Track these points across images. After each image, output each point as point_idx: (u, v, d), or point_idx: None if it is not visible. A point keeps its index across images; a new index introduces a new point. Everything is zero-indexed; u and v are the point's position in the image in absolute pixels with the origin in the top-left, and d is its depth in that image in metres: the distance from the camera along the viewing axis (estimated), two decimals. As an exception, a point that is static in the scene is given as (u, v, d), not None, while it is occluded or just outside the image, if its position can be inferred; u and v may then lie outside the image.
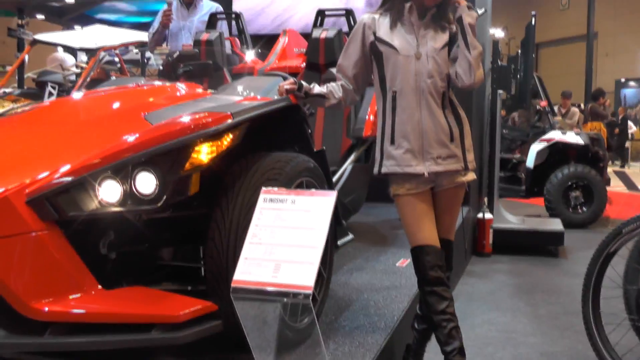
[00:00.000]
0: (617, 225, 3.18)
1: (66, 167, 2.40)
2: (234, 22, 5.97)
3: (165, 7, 5.49)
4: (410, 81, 2.74)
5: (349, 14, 5.45)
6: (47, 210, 2.32)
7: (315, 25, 5.40)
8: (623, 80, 25.38)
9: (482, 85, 6.98)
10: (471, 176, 2.85)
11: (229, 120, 2.68)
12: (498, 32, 24.60)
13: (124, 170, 2.43)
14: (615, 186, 10.48)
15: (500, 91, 6.75)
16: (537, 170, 8.48)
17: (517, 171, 8.97)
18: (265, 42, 6.32)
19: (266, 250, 2.25)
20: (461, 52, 2.73)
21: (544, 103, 9.22)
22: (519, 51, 7.43)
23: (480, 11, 2.84)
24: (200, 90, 3.49)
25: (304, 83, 2.98)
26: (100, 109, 3.07)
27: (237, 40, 5.82)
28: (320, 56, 4.71)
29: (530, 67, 7.26)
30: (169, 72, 4.13)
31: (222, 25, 5.77)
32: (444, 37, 2.77)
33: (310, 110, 3.39)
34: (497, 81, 6.84)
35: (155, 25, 5.64)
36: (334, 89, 2.96)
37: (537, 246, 6.80)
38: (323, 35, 4.73)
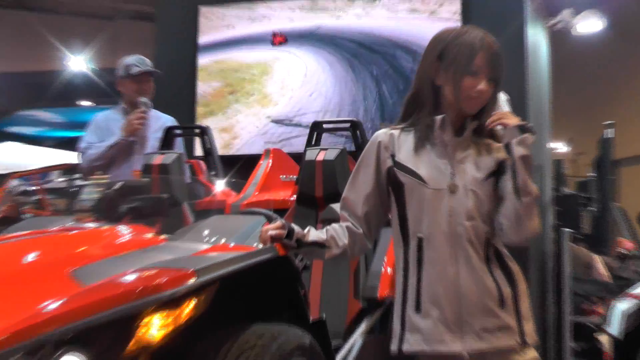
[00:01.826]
0: None
1: (-41, 349, 2.39)
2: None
3: (138, 110, 5.67)
4: (442, 224, 2.77)
5: (355, 127, 5.47)
6: None
7: (309, 143, 5.45)
8: None
9: (541, 223, 7.00)
10: (532, 354, 2.83)
11: (192, 280, 2.68)
12: (561, 147, 24.95)
13: (41, 351, 2.41)
14: None
15: (567, 230, 6.80)
16: (626, 340, 8.39)
17: (596, 341, 8.88)
18: (241, 165, 6.41)
19: None
20: (509, 197, 2.74)
21: (629, 245, 9.27)
22: (592, 173, 7.54)
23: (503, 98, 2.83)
24: (150, 235, 3.51)
25: (295, 227, 3.00)
26: (9, 265, 3.07)
27: (202, 163, 5.91)
28: (317, 186, 4.71)
29: (609, 194, 7.34)
30: (108, 209, 4.17)
31: (180, 144, 5.91)
32: (490, 162, 2.81)
33: (304, 263, 3.41)
34: (562, 216, 6.89)
35: (92, 139, 5.75)
36: (337, 233, 2.97)
37: None
38: (320, 157, 4.73)
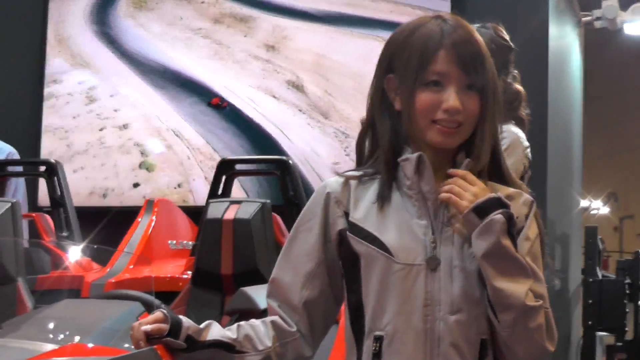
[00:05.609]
0: None
1: None
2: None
3: None
4: (414, 318, 2.70)
5: (283, 167, 5.49)
6: None
7: (214, 192, 5.44)
8: None
9: (564, 323, 7.05)
10: None
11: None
12: (597, 206, 25.02)
13: None
14: None
15: (602, 334, 6.85)
16: None
17: None
18: (109, 222, 6.39)
19: None
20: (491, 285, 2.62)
21: None
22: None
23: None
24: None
25: (185, 319, 2.86)
26: None
27: (47, 218, 5.87)
28: (223, 259, 4.70)
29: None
30: None
31: (15, 188, 5.89)
32: None
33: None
34: (596, 313, 6.94)
35: None
36: (255, 331, 2.84)
37: None
38: (230, 214, 4.75)
